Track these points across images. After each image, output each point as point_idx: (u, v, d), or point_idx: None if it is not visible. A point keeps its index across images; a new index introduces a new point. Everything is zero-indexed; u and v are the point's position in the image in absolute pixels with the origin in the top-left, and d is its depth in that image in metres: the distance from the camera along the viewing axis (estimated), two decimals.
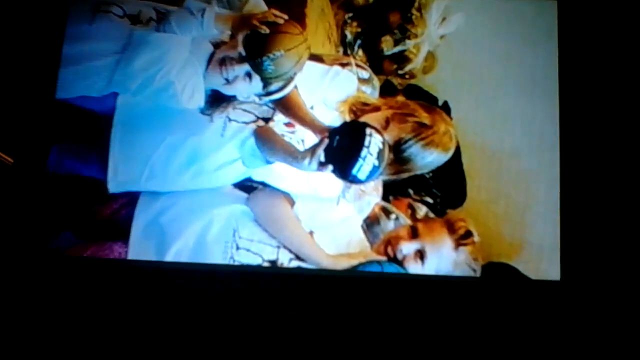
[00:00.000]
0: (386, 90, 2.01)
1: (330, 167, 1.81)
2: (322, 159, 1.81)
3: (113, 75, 1.93)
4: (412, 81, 2.03)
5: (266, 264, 1.88)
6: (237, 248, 1.89)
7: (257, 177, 1.93)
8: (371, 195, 1.93)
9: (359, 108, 1.97)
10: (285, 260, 1.88)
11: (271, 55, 1.87)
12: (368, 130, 1.82)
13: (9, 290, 1.88)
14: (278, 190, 1.92)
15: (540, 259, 1.92)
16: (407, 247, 1.89)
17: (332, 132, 1.85)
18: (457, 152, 1.94)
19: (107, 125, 1.94)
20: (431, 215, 1.94)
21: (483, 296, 1.91)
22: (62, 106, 1.96)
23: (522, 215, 1.94)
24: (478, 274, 1.89)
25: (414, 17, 2.04)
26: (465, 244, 1.89)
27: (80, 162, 1.95)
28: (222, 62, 1.93)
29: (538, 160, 1.97)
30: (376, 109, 1.96)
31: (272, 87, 1.93)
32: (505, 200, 1.95)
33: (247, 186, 1.94)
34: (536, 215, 1.94)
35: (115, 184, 1.92)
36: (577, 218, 1.94)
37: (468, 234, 1.90)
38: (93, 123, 1.96)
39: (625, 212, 1.93)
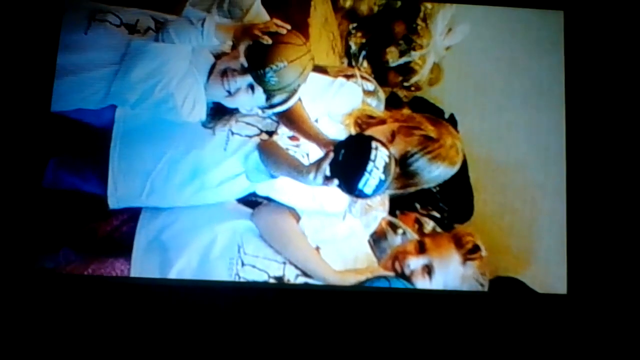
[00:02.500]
0: (392, 103, 1.99)
1: (336, 181, 1.78)
2: (328, 173, 1.77)
3: (111, 87, 1.88)
4: (418, 93, 2.01)
5: (272, 281, 1.86)
6: (243, 264, 1.86)
7: (261, 191, 1.90)
8: (378, 210, 1.91)
9: (364, 121, 1.94)
10: (292, 276, 1.86)
11: (274, 67, 1.83)
12: (374, 144, 1.78)
13: (6, 311, 1.83)
14: (283, 205, 1.89)
15: (547, 272, 1.92)
16: (415, 262, 1.88)
17: (338, 146, 1.81)
18: (464, 166, 1.92)
19: (105, 138, 1.90)
20: (438, 229, 1.93)
21: (491, 310, 1.91)
22: (58, 119, 1.91)
23: (528, 229, 1.93)
24: (486, 289, 1.89)
25: (419, 27, 2.02)
26: (472, 259, 1.88)
27: (79, 177, 1.91)
28: (224, 74, 1.89)
29: (544, 172, 1.96)
30: (382, 122, 1.93)
31: (276, 100, 1.89)
32: (512, 213, 1.94)
33: (251, 201, 1.91)
34: (542, 228, 1.94)
35: (115, 199, 1.88)
36: (584, 231, 1.93)
37: (475, 248, 1.89)
38: (91, 136, 1.91)
39: (633, 226, 1.94)
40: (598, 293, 1.92)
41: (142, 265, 1.85)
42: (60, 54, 1.92)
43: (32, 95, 1.92)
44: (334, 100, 1.96)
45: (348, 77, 1.98)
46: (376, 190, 1.79)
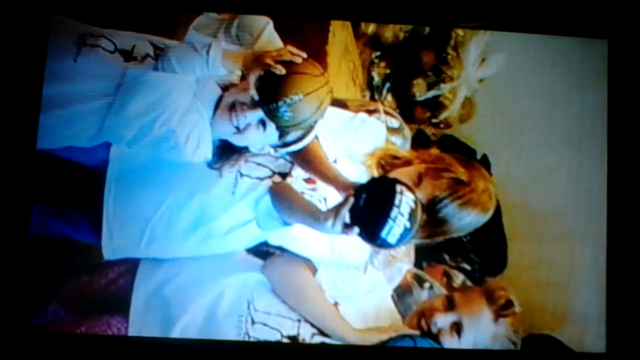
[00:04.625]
0: (418, 142, 1.85)
1: (357, 229, 1.62)
2: (347, 220, 1.63)
3: (104, 122, 1.73)
4: (448, 131, 1.87)
5: (286, 340, 1.74)
6: (253, 322, 1.74)
7: (273, 241, 1.77)
8: (402, 262, 1.79)
9: (388, 162, 1.80)
10: (307, 335, 1.74)
11: (288, 100, 1.66)
12: (399, 188, 1.63)
13: None
14: (298, 256, 1.77)
15: (585, 330, 1.81)
16: (443, 320, 1.75)
17: (358, 190, 1.66)
18: (497, 213, 1.78)
19: (99, 180, 1.76)
20: (469, 283, 1.81)
21: None
22: (45, 158, 1.77)
23: (566, 283, 1.81)
24: (518, 348, 1.78)
25: (449, 57, 1.87)
26: (505, 315, 1.76)
27: (69, 224, 1.77)
28: (232, 108, 1.72)
29: (585, 221, 1.83)
30: (407, 163, 1.79)
31: (290, 137, 1.74)
32: (549, 266, 1.82)
33: (262, 251, 1.79)
34: (581, 282, 1.81)
35: (110, 249, 1.75)
36: (625, 286, 1.82)
37: (509, 304, 1.77)
38: (82, 178, 1.78)
39: None
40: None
41: (141, 323, 1.73)
42: (46, 85, 1.76)
43: (15, 131, 1.77)
44: (354, 138, 1.81)
45: (370, 112, 1.83)
46: (401, 240, 1.63)
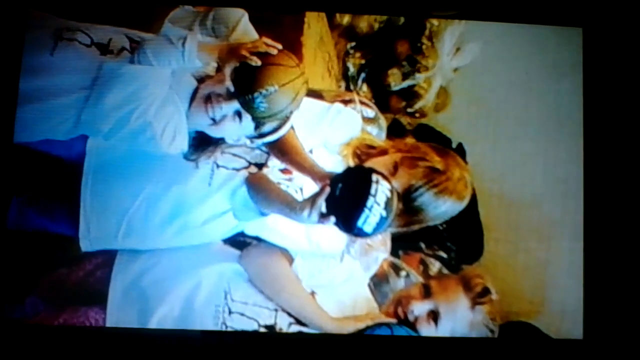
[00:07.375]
0: (394, 131, 1.85)
1: (333, 218, 1.64)
2: (324, 209, 1.64)
3: (81, 115, 1.73)
4: (423, 120, 1.87)
5: (263, 330, 1.74)
6: (230, 312, 1.74)
7: (250, 231, 1.77)
8: (379, 250, 1.79)
9: (363, 151, 1.80)
10: (284, 324, 1.74)
11: (264, 91, 1.66)
12: (374, 177, 1.64)
13: None
14: (274, 246, 1.77)
15: (562, 316, 1.81)
16: (419, 308, 1.76)
17: (334, 179, 1.67)
18: (473, 201, 1.78)
19: (76, 173, 1.76)
20: (445, 271, 1.81)
21: (502, 359, 1.79)
22: (22, 151, 1.77)
23: (543, 270, 1.81)
24: (496, 335, 1.78)
25: (424, 47, 1.87)
26: (482, 303, 1.77)
27: (47, 216, 1.77)
28: (208, 99, 1.73)
29: (561, 209, 1.83)
30: (383, 152, 1.80)
31: (266, 128, 1.74)
32: (525, 253, 1.82)
33: (239, 242, 1.78)
34: (558, 269, 1.81)
35: (88, 241, 1.75)
36: (602, 273, 1.82)
37: (485, 291, 1.77)
38: (60, 171, 1.77)
39: None
40: (616, 339, 1.80)
41: (118, 314, 1.72)
42: (23, 78, 1.76)
43: None
44: (330, 129, 1.81)
45: (346, 102, 1.83)
46: (377, 229, 1.64)
